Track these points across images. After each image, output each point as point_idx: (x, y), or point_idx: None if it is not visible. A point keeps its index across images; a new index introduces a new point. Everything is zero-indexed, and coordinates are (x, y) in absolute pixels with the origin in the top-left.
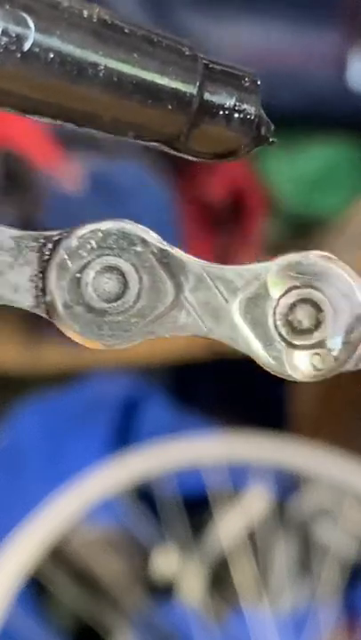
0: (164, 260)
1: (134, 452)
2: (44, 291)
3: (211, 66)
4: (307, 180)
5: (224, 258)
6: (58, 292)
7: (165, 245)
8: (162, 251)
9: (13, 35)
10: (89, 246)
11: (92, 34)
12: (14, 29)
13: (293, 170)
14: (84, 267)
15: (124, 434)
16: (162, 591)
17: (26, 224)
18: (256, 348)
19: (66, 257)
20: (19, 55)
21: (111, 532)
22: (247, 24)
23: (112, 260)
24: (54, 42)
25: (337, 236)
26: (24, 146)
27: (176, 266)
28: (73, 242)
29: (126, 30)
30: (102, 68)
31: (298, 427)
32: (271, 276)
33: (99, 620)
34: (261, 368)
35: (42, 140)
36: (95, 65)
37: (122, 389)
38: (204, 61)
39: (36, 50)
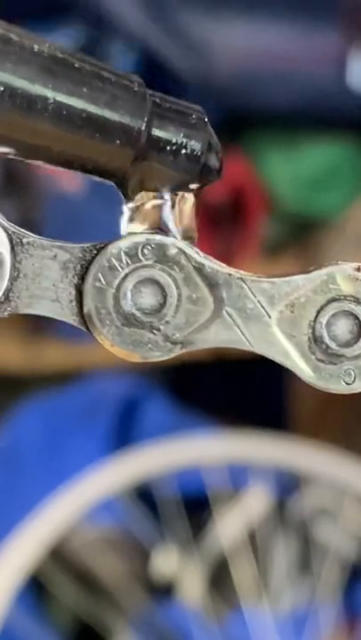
0: (203, 272)
1: (134, 452)
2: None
3: (159, 102)
4: (307, 179)
5: (224, 258)
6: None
7: (204, 257)
8: (200, 263)
9: None
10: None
11: (42, 68)
12: None
13: (293, 170)
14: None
15: (124, 434)
16: (162, 591)
17: (25, 224)
18: (296, 362)
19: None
20: None
21: (111, 532)
22: (247, 24)
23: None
24: (4, 75)
25: (337, 236)
26: None
27: (215, 278)
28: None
29: (76, 65)
30: (52, 101)
31: (298, 427)
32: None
33: (99, 620)
34: (261, 368)
35: None
36: (45, 99)
37: (122, 389)
38: (153, 97)
39: None
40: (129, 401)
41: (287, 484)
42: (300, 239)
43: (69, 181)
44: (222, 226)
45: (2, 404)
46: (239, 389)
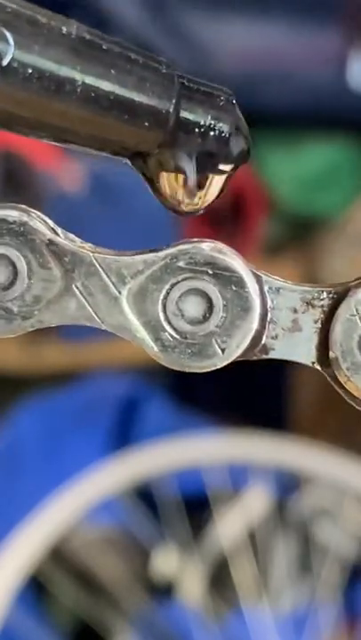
0: (52, 247)
1: (134, 452)
2: None
3: (187, 84)
4: (307, 179)
5: None
6: None
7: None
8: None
9: None
10: None
11: (70, 50)
12: None
13: (293, 170)
14: None
15: (124, 434)
16: (162, 591)
17: None
18: (146, 340)
19: None
20: None
21: (111, 532)
22: (247, 24)
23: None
24: (33, 58)
25: (337, 236)
26: (24, 146)
27: (65, 253)
28: None
29: (104, 47)
30: (80, 84)
31: (298, 427)
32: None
33: (99, 619)
34: (261, 369)
35: None
36: (73, 81)
37: (122, 389)
38: (181, 79)
39: (15, 65)
40: (129, 401)
41: (287, 484)
42: (300, 239)
43: (69, 181)
44: (222, 226)
45: (2, 403)
46: (239, 389)
